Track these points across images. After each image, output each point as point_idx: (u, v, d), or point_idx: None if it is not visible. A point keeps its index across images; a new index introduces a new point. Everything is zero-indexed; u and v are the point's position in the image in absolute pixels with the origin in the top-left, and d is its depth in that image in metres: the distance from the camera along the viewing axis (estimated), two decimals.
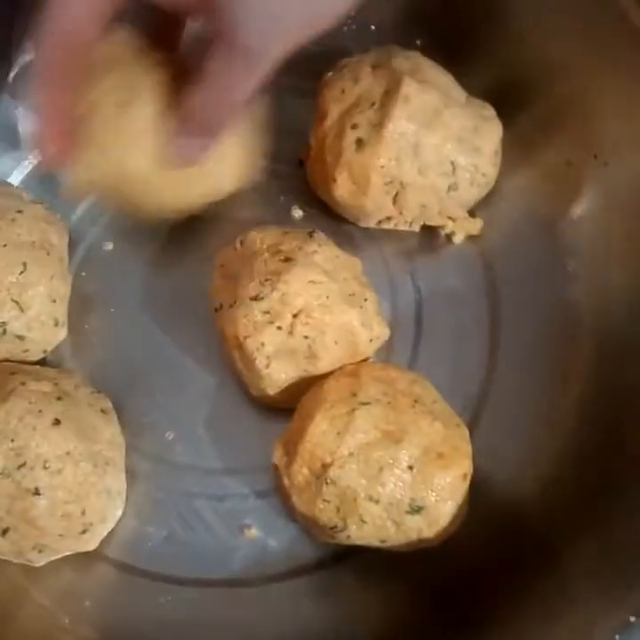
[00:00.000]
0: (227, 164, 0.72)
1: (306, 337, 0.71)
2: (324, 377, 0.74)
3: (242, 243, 0.76)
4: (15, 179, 0.90)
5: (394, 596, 0.74)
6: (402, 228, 0.84)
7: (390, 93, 0.79)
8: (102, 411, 0.75)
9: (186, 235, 0.87)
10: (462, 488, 0.69)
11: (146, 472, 0.78)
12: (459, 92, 0.82)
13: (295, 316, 0.71)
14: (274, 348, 0.71)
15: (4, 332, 0.75)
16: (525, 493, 0.77)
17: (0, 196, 0.79)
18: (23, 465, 0.67)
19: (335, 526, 0.69)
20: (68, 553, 0.72)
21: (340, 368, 0.74)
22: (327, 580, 0.75)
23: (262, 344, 0.71)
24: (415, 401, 0.71)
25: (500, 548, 0.74)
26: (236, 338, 0.71)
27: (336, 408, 0.70)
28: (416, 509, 0.67)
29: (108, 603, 0.74)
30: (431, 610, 0.73)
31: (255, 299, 0.71)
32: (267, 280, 0.71)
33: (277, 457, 0.72)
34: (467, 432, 0.73)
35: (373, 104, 0.79)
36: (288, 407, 0.75)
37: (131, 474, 0.77)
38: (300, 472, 0.69)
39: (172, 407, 0.81)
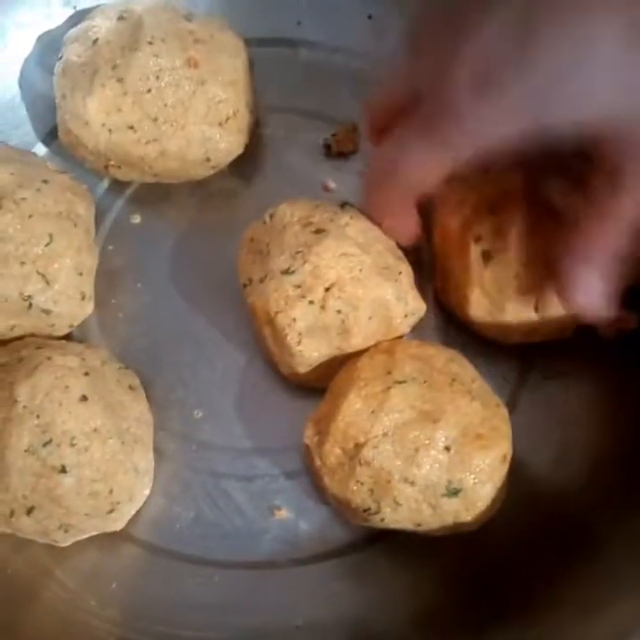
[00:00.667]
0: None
1: (339, 311, 0.68)
2: (357, 355, 0.71)
3: (271, 216, 0.73)
4: (39, 150, 0.87)
5: (428, 580, 0.71)
6: (556, 336, 0.75)
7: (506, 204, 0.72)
8: (130, 387, 0.73)
9: (215, 208, 0.85)
10: (501, 470, 0.67)
11: (173, 451, 0.77)
12: None
13: (327, 289, 0.68)
14: (306, 323, 0.68)
15: (30, 305, 0.72)
16: (567, 475, 0.74)
17: (25, 166, 0.76)
18: (49, 442, 0.65)
19: (368, 509, 0.66)
20: (94, 533, 0.71)
21: (375, 345, 0.72)
22: (359, 563, 0.73)
23: (294, 319, 0.68)
24: (453, 380, 0.69)
25: (541, 532, 0.71)
26: (266, 313, 0.69)
27: (370, 386, 0.67)
28: (453, 492, 0.65)
29: (134, 584, 0.73)
30: (467, 596, 0.71)
31: (286, 272, 0.68)
32: (298, 252, 0.68)
33: (309, 436, 0.69)
34: (506, 412, 0.70)
35: (493, 210, 0.73)
36: (320, 386, 0.73)
37: (158, 453, 0.75)
38: (333, 452, 0.67)
39: (200, 385, 0.79)
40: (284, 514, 0.74)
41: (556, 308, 0.72)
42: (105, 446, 0.67)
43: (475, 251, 0.74)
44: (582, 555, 0.68)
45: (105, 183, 0.85)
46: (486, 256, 0.73)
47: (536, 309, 0.73)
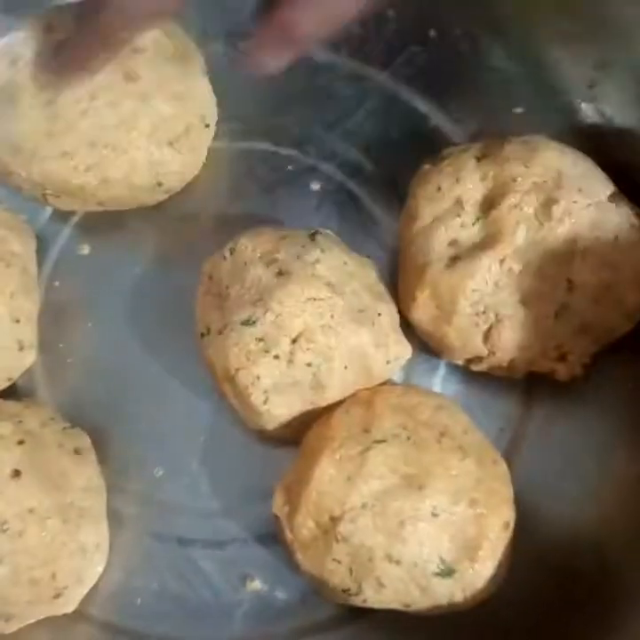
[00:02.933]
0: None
1: (309, 365, 0.60)
2: (333, 406, 0.62)
3: (231, 251, 0.64)
4: None
5: None
6: (498, 373, 0.67)
7: (498, 200, 0.64)
8: (76, 451, 0.65)
9: (173, 234, 0.76)
10: (503, 541, 0.58)
11: (132, 515, 0.69)
12: (602, 187, 0.65)
13: (294, 340, 0.60)
14: (272, 380, 0.60)
15: None
16: (580, 528, 0.65)
17: None
18: None
19: (348, 589, 0.58)
20: (41, 617, 0.62)
21: (352, 395, 0.63)
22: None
23: (257, 377, 0.60)
24: (441, 434, 0.60)
25: (551, 597, 0.63)
26: (225, 370, 0.61)
27: (345, 448, 0.59)
28: (446, 572, 0.57)
29: None
30: None
31: (247, 323, 0.60)
32: (259, 300, 0.60)
33: (278, 505, 0.61)
34: (505, 469, 0.62)
35: (477, 219, 0.65)
36: (294, 440, 0.64)
37: (115, 518, 0.67)
38: (305, 525, 0.59)
39: (160, 439, 0.70)
40: (257, 585, 0.67)
41: (505, 350, 0.64)
42: (43, 528, 0.59)
43: (441, 246, 0.65)
44: (596, 625, 0.60)
45: (48, 211, 0.76)
46: (453, 260, 0.64)
47: (484, 339, 0.65)
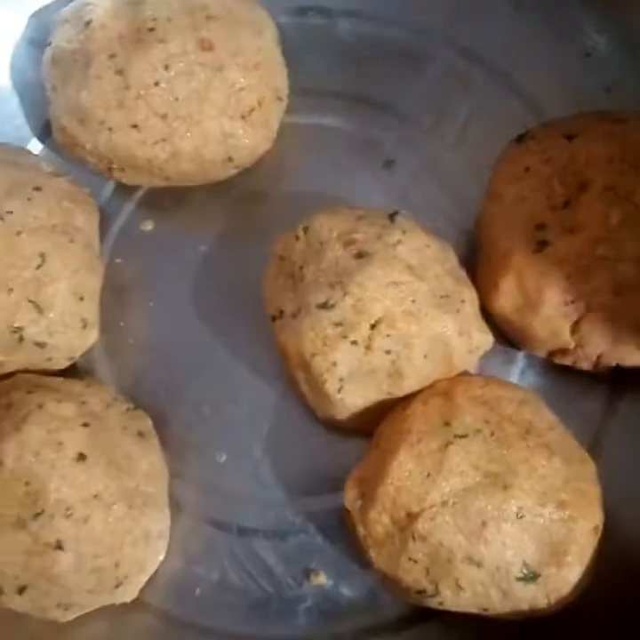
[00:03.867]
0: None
1: (388, 352, 0.57)
2: (409, 397, 0.59)
3: (306, 230, 0.61)
4: (35, 146, 0.75)
5: None
6: (584, 367, 0.63)
7: (590, 182, 0.60)
8: (139, 434, 0.63)
9: (240, 213, 0.73)
10: (591, 545, 0.55)
11: (193, 503, 0.67)
12: None
13: (374, 326, 0.57)
14: (348, 368, 0.57)
15: (21, 338, 0.62)
16: None
17: (14, 168, 0.65)
18: (41, 513, 0.55)
19: (424, 590, 0.56)
20: (100, 606, 0.60)
21: (430, 386, 0.60)
22: None
23: (334, 364, 0.57)
24: (526, 430, 0.58)
25: (633, 610, 0.59)
26: (300, 355, 0.58)
27: (424, 442, 0.56)
28: (530, 577, 0.54)
29: None
30: None
31: (324, 306, 0.57)
32: (338, 282, 0.57)
33: (350, 499, 0.58)
34: (594, 468, 0.59)
35: (567, 202, 0.60)
36: (363, 432, 0.62)
37: (174, 505, 0.65)
38: (380, 521, 0.56)
39: (223, 424, 0.68)
40: (322, 579, 0.64)
41: (595, 344, 0.60)
42: (108, 514, 0.57)
43: (527, 230, 0.61)
44: None
45: (111, 185, 0.74)
46: (541, 245, 0.61)
47: (572, 331, 0.61)
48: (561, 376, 0.66)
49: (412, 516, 0.54)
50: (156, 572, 0.63)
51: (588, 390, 0.66)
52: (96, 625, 0.63)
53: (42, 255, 0.62)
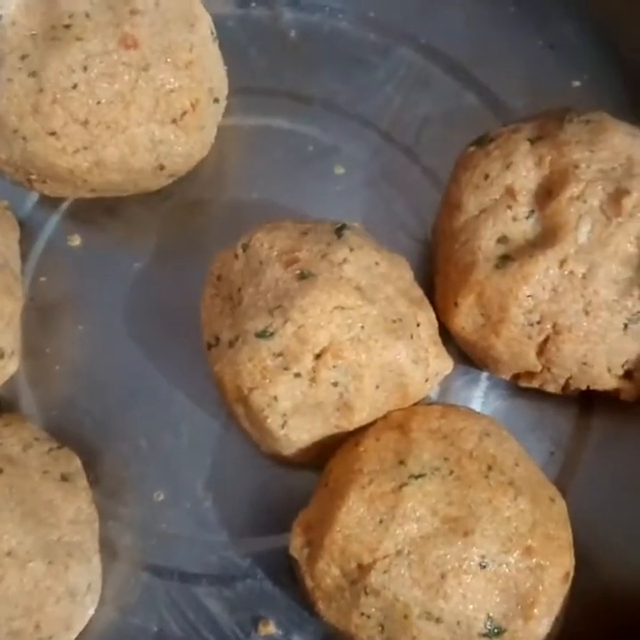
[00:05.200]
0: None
1: (335, 384, 0.53)
2: (361, 430, 0.55)
3: (244, 248, 0.56)
4: None
5: None
6: (551, 389, 0.60)
7: (557, 190, 0.56)
8: (63, 478, 0.58)
9: (176, 224, 0.69)
10: (560, 595, 0.51)
11: (129, 547, 0.63)
12: None
13: (318, 356, 0.52)
14: (291, 402, 0.53)
15: None
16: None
17: None
18: None
19: None
20: None
21: (384, 417, 0.56)
22: None
23: (275, 398, 0.52)
24: (489, 467, 0.53)
25: None
26: (237, 389, 0.53)
27: (376, 483, 0.52)
28: (495, 632, 0.50)
29: None
30: None
31: (263, 335, 0.52)
32: (277, 307, 0.51)
33: (296, 548, 0.54)
34: (564, 507, 0.55)
35: (532, 212, 0.56)
36: (312, 466, 0.57)
37: (108, 550, 0.61)
38: (328, 573, 0.52)
39: (161, 458, 0.64)
40: (271, 628, 0.60)
41: (563, 366, 0.56)
42: (24, 573, 0.52)
43: (488, 243, 0.57)
44: None
45: (34, 196, 0.68)
46: (503, 260, 0.56)
47: (538, 353, 0.56)
48: (527, 398, 0.62)
49: (363, 568, 0.50)
50: (87, 626, 0.58)
51: (556, 413, 0.62)
52: None
53: None
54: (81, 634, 0.58)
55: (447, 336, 0.60)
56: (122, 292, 0.67)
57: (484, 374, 0.63)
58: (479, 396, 0.63)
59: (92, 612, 0.58)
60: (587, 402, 0.62)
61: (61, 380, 0.65)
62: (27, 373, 0.65)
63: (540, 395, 0.61)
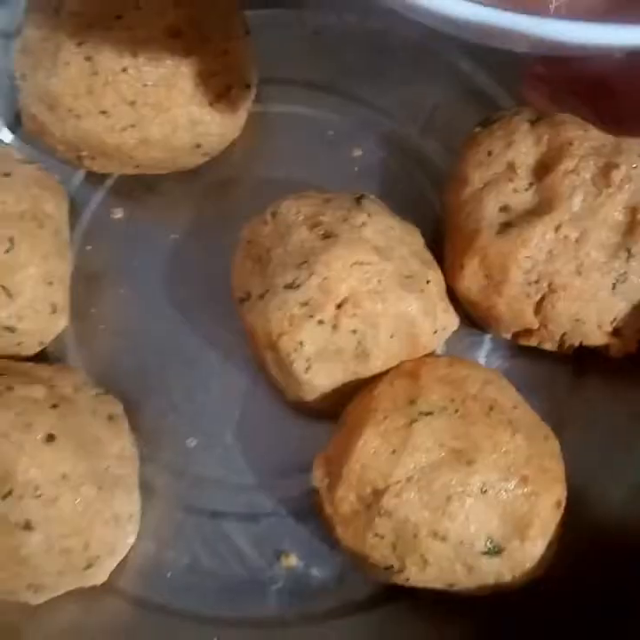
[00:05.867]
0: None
1: (354, 331, 0.58)
2: (375, 378, 0.60)
3: (274, 214, 0.62)
4: (6, 136, 0.76)
5: None
6: (548, 347, 0.65)
7: (553, 165, 0.61)
8: (109, 417, 0.63)
9: (209, 200, 0.73)
10: (553, 521, 0.56)
11: (164, 487, 0.67)
12: None
13: (339, 306, 0.58)
14: (315, 347, 0.58)
15: None
16: (628, 512, 0.62)
17: None
18: (9, 493, 0.55)
19: (391, 566, 0.56)
20: (70, 588, 0.60)
21: (396, 366, 0.61)
22: (382, 620, 0.63)
23: (301, 343, 0.57)
24: (490, 408, 0.58)
25: (598, 587, 0.60)
26: (267, 336, 0.58)
27: (390, 420, 0.57)
28: (494, 551, 0.54)
29: None
30: None
31: (290, 286, 0.57)
32: (303, 263, 0.57)
33: (318, 478, 0.59)
34: (557, 445, 0.60)
35: (531, 184, 0.62)
36: (332, 414, 0.62)
37: (146, 489, 0.65)
38: (346, 499, 0.57)
39: (194, 409, 0.68)
40: (293, 561, 0.64)
41: (558, 323, 0.61)
42: (77, 495, 0.57)
43: (492, 212, 0.62)
44: None
45: (81, 173, 0.74)
46: (505, 227, 0.62)
47: (535, 311, 0.62)
48: (526, 359, 0.67)
49: (377, 493, 0.55)
50: (127, 556, 0.63)
51: (552, 372, 0.67)
52: (67, 609, 0.62)
53: (11, 240, 0.62)
54: (121, 563, 0.62)
55: (454, 302, 0.65)
56: (159, 260, 0.71)
57: (487, 337, 0.68)
58: (482, 357, 0.68)
59: (132, 541, 0.62)
60: (580, 362, 0.66)
61: (104, 339, 0.70)
62: (74, 331, 0.70)
63: (538, 355, 0.65)
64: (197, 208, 0.73)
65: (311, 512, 0.63)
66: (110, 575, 0.62)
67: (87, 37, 0.62)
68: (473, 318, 0.66)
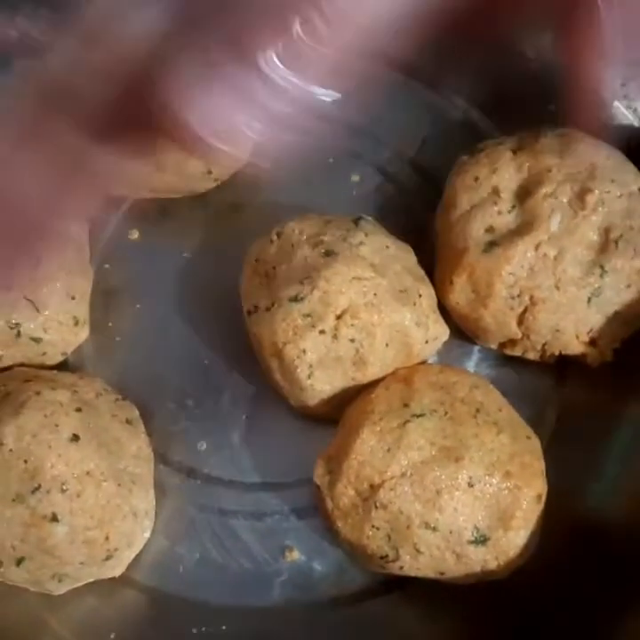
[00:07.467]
0: None
1: (352, 340, 0.63)
2: (373, 384, 0.65)
3: (279, 234, 0.67)
4: None
5: (454, 631, 0.66)
6: (531, 356, 0.70)
7: (533, 190, 0.67)
8: (127, 421, 0.68)
9: (219, 222, 0.78)
10: (535, 513, 0.61)
11: (176, 487, 0.71)
12: (633, 178, 0.68)
13: (339, 317, 0.63)
14: (317, 354, 0.63)
15: (19, 334, 0.67)
16: (609, 512, 0.67)
17: None
18: (38, 488, 0.60)
19: (386, 556, 0.61)
20: (90, 580, 0.65)
21: (392, 373, 0.66)
22: (378, 610, 0.67)
23: (304, 351, 0.62)
24: (477, 410, 0.63)
25: (579, 577, 0.65)
26: (273, 344, 0.63)
27: (385, 421, 0.62)
28: (480, 540, 0.59)
29: (134, 633, 0.68)
30: None
31: (294, 299, 0.62)
32: (306, 278, 0.63)
33: (319, 475, 0.64)
34: (538, 444, 0.64)
35: (513, 207, 0.68)
36: (333, 419, 0.67)
37: (159, 489, 0.70)
38: (345, 493, 0.61)
39: (204, 415, 0.73)
40: (295, 555, 0.69)
41: (539, 333, 0.67)
42: (99, 490, 0.62)
43: (478, 232, 0.68)
44: (627, 605, 0.61)
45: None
46: (490, 246, 0.67)
47: (518, 322, 0.67)
48: (512, 367, 0.72)
49: (374, 487, 0.60)
50: (142, 550, 0.67)
51: (536, 379, 0.71)
52: (86, 599, 0.67)
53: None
54: (137, 557, 0.67)
55: (445, 315, 0.69)
56: (172, 277, 0.76)
57: (476, 347, 0.72)
58: (471, 366, 0.72)
59: (148, 535, 0.67)
60: (561, 370, 0.71)
61: (121, 350, 0.74)
62: (93, 343, 0.74)
63: (522, 364, 0.70)
64: (208, 229, 0.77)
65: (312, 510, 0.68)
66: (127, 568, 0.67)
67: None
68: (462, 330, 0.71)
